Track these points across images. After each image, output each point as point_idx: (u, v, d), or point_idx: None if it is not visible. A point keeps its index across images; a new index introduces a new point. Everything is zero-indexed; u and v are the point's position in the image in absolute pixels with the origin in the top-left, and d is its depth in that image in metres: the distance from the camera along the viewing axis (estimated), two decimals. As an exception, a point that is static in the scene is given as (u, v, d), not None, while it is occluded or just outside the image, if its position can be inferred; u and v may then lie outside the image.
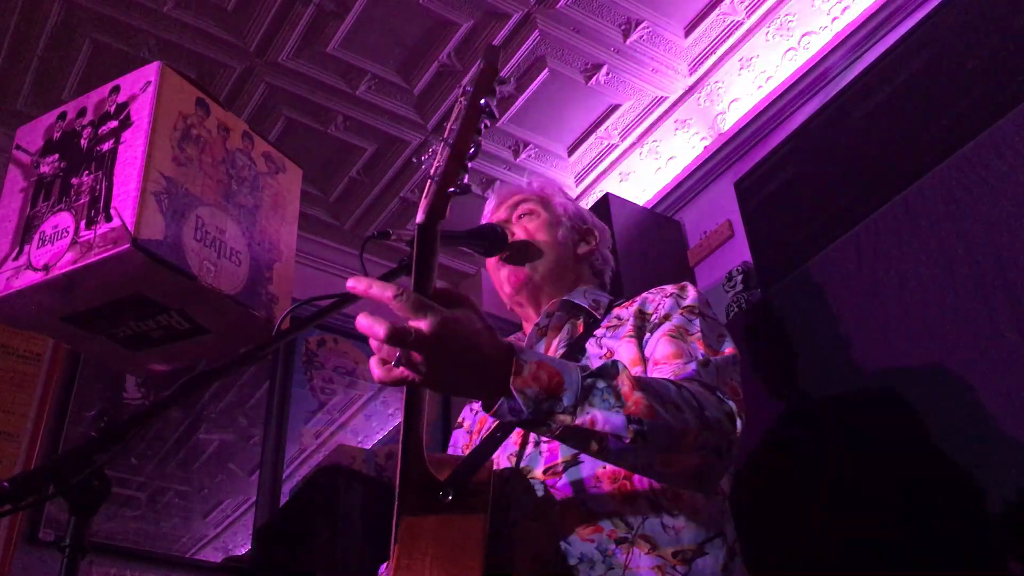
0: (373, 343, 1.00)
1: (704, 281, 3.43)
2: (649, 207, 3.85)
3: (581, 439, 1.07)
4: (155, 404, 1.11)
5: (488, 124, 0.99)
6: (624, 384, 1.08)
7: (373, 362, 1.00)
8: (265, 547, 3.26)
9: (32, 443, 3.21)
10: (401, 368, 0.98)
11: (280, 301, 1.77)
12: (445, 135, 0.94)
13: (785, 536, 1.86)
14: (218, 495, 3.75)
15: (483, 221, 1.75)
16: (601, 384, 1.08)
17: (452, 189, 0.95)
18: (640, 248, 3.35)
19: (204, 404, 3.85)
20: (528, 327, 1.66)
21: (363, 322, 0.95)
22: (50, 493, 0.99)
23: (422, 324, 0.95)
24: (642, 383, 1.10)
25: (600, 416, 1.05)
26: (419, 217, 0.98)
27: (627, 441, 1.06)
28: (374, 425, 4.24)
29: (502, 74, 3.52)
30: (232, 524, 3.71)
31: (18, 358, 3.33)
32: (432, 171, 0.97)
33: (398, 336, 0.94)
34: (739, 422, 1.20)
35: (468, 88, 0.94)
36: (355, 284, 0.99)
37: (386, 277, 1.33)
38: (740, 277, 3.12)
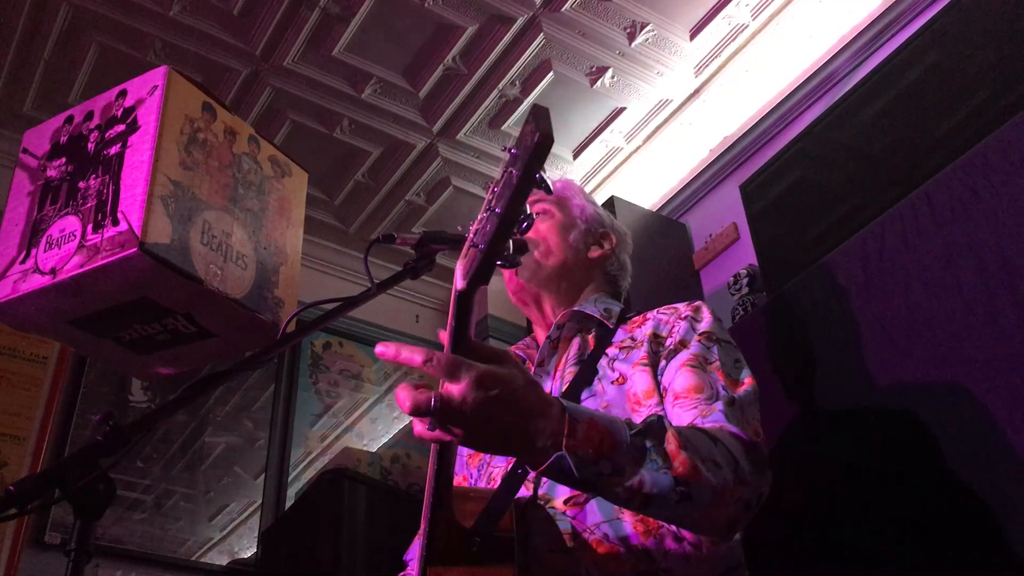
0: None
1: (709, 284, 3.43)
2: (655, 210, 3.85)
3: (626, 499, 1.06)
4: (161, 407, 1.11)
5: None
6: (671, 443, 1.07)
7: (414, 420, 0.98)
8: (270, 550, 3.26)
9: (38, 446, 3.22)
10: (437, 430, 0.96)
11: (286, 304, 1.77)
12: (492, 203, 0.87)
13: (786, 539, 1.85)
14: (224, 498, 3.75)
15: None
16: (649, 443, 1.06)
17: (499, 262, 0.91)
18: (645, 251, 3.34)
19: (210, 407, 3.86)
20: (539, 332, 1.65)
21: (399, 395, 0.94)
22: (55, 497, 0.99)
23: (454, 389, 0.92)
24: (684, 440, 1.09)
25: (648, 478, 1.04)
26: (459, 284, 0.92)
27: (673, 502, 1.05)
28: (379, 428, 4.24)
29: (507, 78, 3.49)
30: (238, 527, 3.71)
31: (25, 361, 3.34)
32: (475, 236, 0.91)
33: (422, 409, 0.92)
34: (769, 473, 1.20)
35: (514, 152, 0.85)
36: (384, 349, 0.98)
37: (390, 281, 1.33)
38: (746, 280, 3.11)
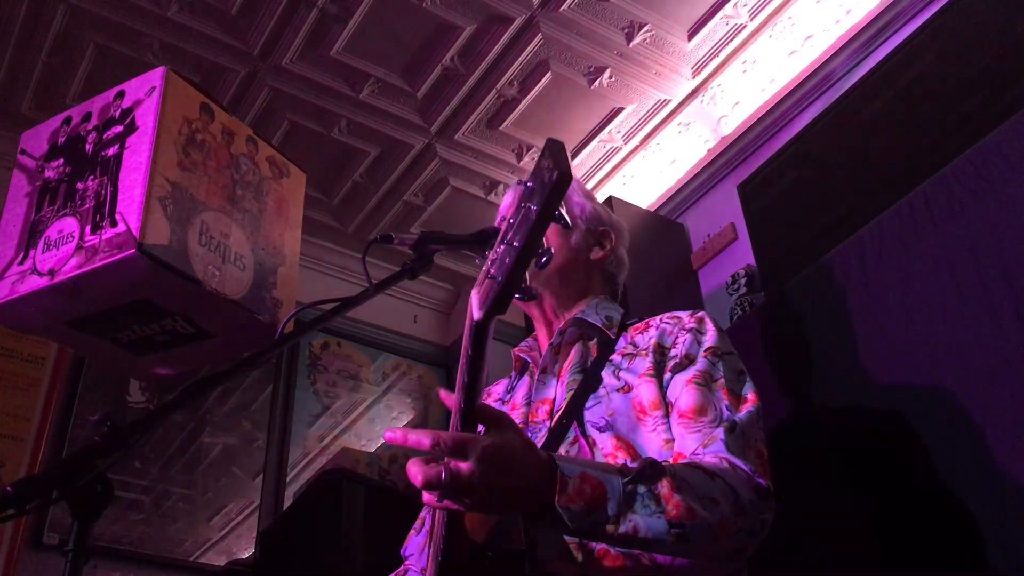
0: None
1: (707, 284, 3.43)
2: (652, 210, 3.85)
3: (624, 544, 1.12)
4: (159, 408, 1.11)
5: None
6: (663, 487, 1.12)
7: (424, 492, 1.04)
8: (269, 551, 3.26)
9: (37, 446, 3.22)
10: (446, 500, 1.02)
11: (284, 305, 1.77)
12: (509, 236, 0.87)
13: (783, 538, 1.86)
14: (222, 499, 3.74)
15: (498, 217, 1.73)
16: (642, 489, 1.11)
17: (517, 296, 0.92)
18: (644, 251, 3.34)
19: (208, 408, 3.85)
20: (540, 332, 1.65)
21: (410, 470, 1.01)
22: (53, 498, 0.99)
23: (462, 466, 0.99)
24: (679, 481, 1.13)
25: (642, 523, 1.09)
26: (476, 314, 0.94)
27: (670, 543, 1.10)
28: (378, 428, 4.24)
29: (505, 78, 3.48)
30: (236, 528, 3.71)
31: (23, 362, 3.34)
32: (491, 267, 0.91)
33: (432, 483, 0.99)
34: (771, 499, 1.23)
35: (530, 186, 0.84)
36: (392, 435, 1.05)
37: (389, 281, 1.33)
38: (744, 280, 3.11)
